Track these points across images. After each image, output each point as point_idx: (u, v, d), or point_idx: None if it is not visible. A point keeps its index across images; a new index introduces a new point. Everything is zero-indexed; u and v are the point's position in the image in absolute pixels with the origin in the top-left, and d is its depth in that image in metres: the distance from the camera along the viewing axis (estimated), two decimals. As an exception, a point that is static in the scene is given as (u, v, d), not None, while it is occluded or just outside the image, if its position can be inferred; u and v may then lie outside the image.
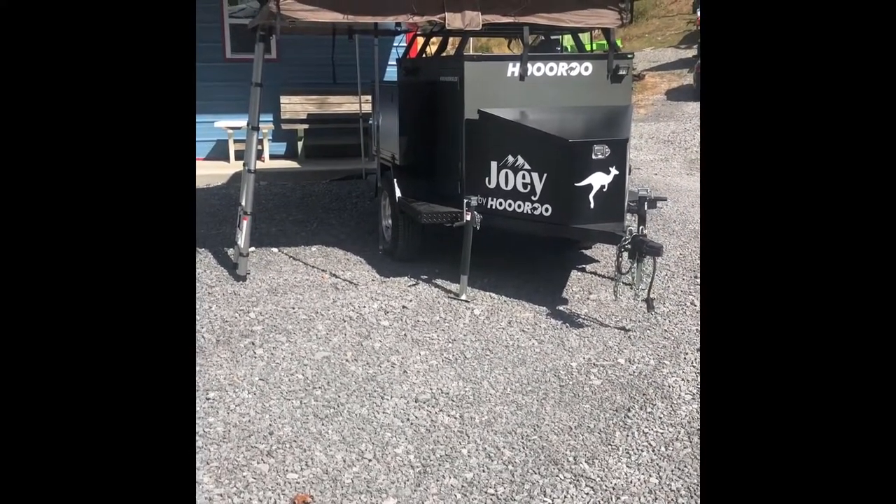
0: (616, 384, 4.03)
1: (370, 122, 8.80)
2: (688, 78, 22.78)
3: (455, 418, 3.70)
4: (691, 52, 26.61)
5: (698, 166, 12.02)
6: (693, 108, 18.35)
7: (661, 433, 3.52)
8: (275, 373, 4.24)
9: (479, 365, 4.31)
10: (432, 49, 7.25)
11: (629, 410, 3.74)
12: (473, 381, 4.11)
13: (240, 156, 9.58)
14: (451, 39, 7.41)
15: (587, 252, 6.54)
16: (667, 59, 25.65)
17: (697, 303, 5.21)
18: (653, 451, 3.38)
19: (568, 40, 7.08)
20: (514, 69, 5.39)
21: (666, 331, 4.75)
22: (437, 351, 4.51)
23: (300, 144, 10.28)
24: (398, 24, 7.01)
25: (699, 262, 6.16)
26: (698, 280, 5.70)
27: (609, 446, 3.42)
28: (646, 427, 3.58)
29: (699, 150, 13.44)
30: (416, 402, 3.87)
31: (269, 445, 3.48)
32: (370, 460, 3.35)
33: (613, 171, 4.94)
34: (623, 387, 4.00)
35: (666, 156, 13.12)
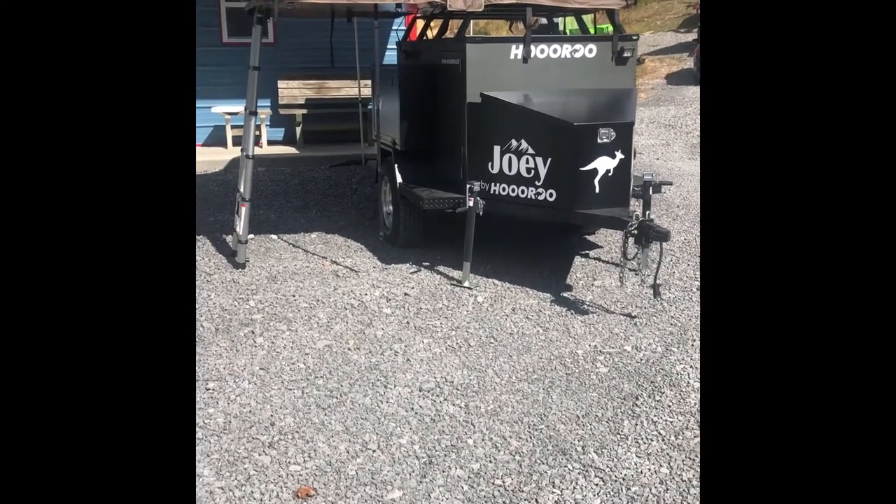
0: (623, 372, 3.96)
1: (369, 106, 8.70)
2: (688, 62, 22.63)
3: (460, 407, 3.63)
4: (691, 36, 26.45)
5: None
6: (694, 93, 18.22)
7: (671, 422, 3.45)
8: (275, 362, 4.17)
9: (483, 353, 4.23)
10: (432, 32, 7.14)
11: (637, 399, 3.67)
12: (478, 369, 4.04)
13: (237, 141, 9.48)
14: (450, 22, 7.29)
15: (591, 238, 6.46)
16: (666, 43, 25.47)
17: (704, 289, 5.14)
18: (662, 440, 3.31)
19: (571, 23, 6.97)
20: (517, 51, 5.28)
21: (672, 317, 4.68)
22: (440, 339, 4.44)
23: (298, 130, 10.17)
24: (398, 6, 6.89)
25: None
26: (704, 265, 5.62)
27: (618, 435, 3.36)
28: (655, 416, 3.51)
29: (700, 135, 13.35)
30: (420, 391, 3.80)
31: (271, 436, 3.41)
32: (374, 451, 3.28)
33: (619, 156, 4.85)
34: (630, 375, 3.93)
35: (667, 140, 13.01)
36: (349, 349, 4.32)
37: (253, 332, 4.58)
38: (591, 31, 6.65)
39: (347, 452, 3.27)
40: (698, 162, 10.79)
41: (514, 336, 4.46)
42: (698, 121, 14.71)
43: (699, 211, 7.26)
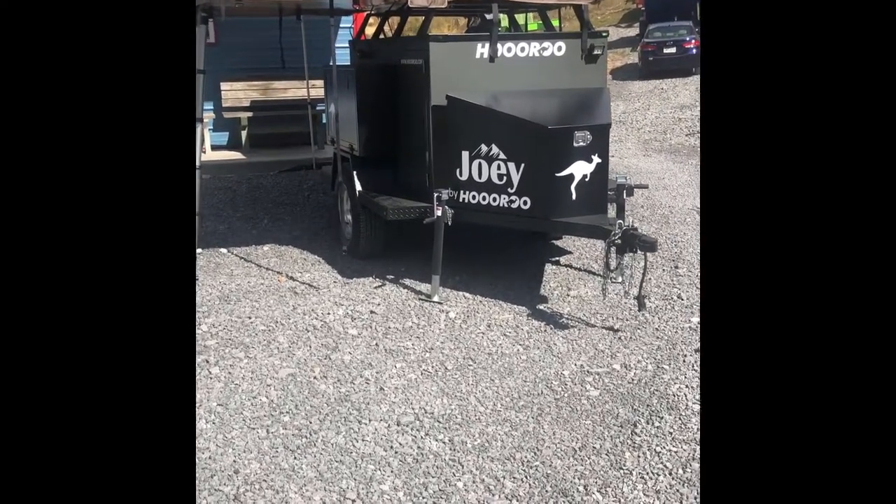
0: (615, 395, 3.69)
1: (318, 107, 8.28)
2: (632, 57, 22.69)
3: (444, 443, 3.31)
4: (633, 31, 26.57)
5: (654, 147, 11.84)
6: (640, 87, 18.24)
7: (676, 452, 3.18)
8: (234, 396, 3.78)
9: (462, 377, 3.92)
10: (389, 30, 6.76)
11: (635, 426, 3.40)
12: (458, 396, 3.72)
13: (179, 147, 8.93)
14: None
15: (558, 242, 6.20)
16: (608, 38, 25.47)
17: (684, 296, 4.91)
18: (670, 474, 3.04)
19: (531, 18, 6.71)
20: (482, 50, 4.97)
21: (657, 329, 4.43)
22: (413, 362, 4.11)
23: (244, 134, 9.65)
24: (355, 3, 6.51)
25: (685, 254, 5.87)
26: (679, 270, 5.41)
27: (621, 470, 3.08)
28: (657, 445, 3.24)
29: (651, 130, 13.27)
30: (398, 425, 3.46)
31: (235, 487, 3.04)
32: (354, 501, 2.93)
33: (596, 160, 4.59)
34: (624, 398, 3.66)
35: (619, 136, 12.88)
36: (315, 378, 3.96)
37: (207, 362, 4.18)
38: (535, 26, 6.37)
39: (324, 503, 2.92)
40: (654, 158, 10.67)
41: (494, 357, 4.15)
42: (648, 116, 14.68)
43: (666, 211, 7.07)
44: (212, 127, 9.73)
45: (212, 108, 9.63)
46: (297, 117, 8.99)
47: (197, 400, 3.74)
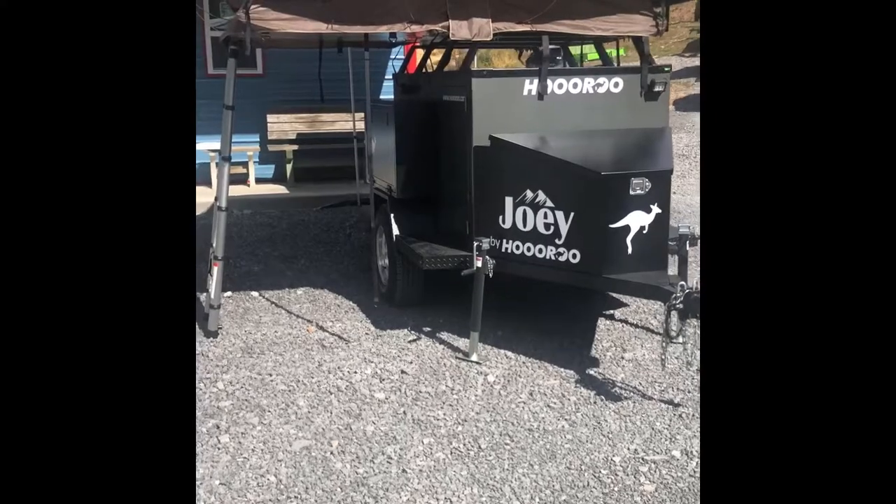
0: (674, 491, 3.15)
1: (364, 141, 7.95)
2: (695, 87, 21.97)
3: (470, 547, 2.83)
4: (697, 61, 25.81)
5: (720, 184, 11.17)
6: (705, 119, 17.53)
7: (748, 576, 2.63)
8: (241, 472, 3.37)
9: (497, 459, 3.43)
10: (433, 62, 6.39)
11: (698, 536, 2.86)
12: (491, 485, 3.23)
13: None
14: (453, 51, 6.56)
15: (614, 293, 5.67)
16: (672, 68, 24.78)
17: (755, 364, 4.33)
18: None
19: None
20: (531, 86, 4.53)
21: (724, 406, 3.86)
22: (443, 437, 3.64)
23: (289, 167, 9.42)
24: (392, 36, 6.17)
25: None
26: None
27: None
28: (724, 564, 2.69)
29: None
30: (418, 520, 3.00)
31: None
32: None
33: (655, 210, 4.08)
34: (683, 495, 3.12)
35: (682, 171, 12.23)
36: (332, 453, 3.52)
37: (218, 427, 3.79)
38: (613, 54, 5.89)
39: None
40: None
41: (535, 434, 3.65)
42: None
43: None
44: (257, 160, 9.52)
45: (257, 140, 9.44)
46: (344, 151, 8.69)
47: (199, 476, 3.34)
